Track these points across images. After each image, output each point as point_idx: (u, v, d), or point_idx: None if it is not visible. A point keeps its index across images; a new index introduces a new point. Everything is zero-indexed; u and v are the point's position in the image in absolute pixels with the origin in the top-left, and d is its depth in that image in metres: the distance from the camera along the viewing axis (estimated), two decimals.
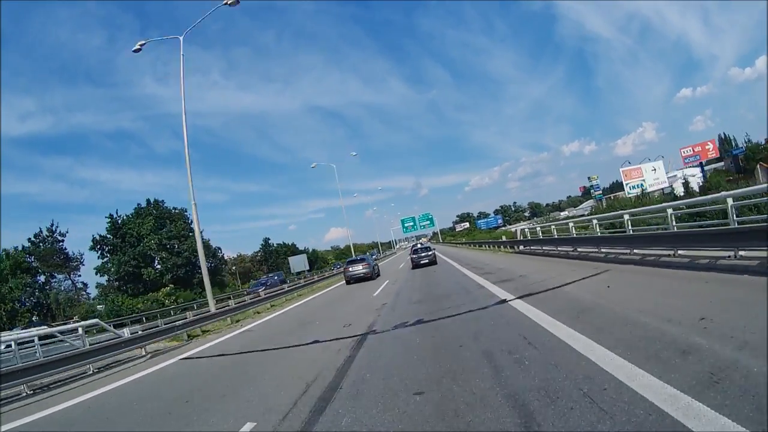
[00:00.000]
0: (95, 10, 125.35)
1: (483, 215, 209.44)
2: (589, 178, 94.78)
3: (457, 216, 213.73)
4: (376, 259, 40.97)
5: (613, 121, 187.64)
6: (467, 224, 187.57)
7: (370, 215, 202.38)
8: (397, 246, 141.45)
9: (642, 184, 34.95)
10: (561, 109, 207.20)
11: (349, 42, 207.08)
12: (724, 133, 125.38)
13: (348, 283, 24.38)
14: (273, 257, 66.41)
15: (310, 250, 79.30)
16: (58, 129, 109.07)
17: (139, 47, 18.19)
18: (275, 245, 71.92)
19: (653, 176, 36.33)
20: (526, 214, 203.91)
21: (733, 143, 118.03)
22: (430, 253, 25.75)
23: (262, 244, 70.81)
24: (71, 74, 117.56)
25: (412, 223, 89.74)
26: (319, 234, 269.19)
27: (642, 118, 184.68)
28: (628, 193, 34.96)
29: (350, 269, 24.85)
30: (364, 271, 24.26)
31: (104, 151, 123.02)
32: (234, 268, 59.70)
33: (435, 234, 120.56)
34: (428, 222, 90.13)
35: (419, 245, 34.20)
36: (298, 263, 58.75)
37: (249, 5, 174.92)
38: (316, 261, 74.23)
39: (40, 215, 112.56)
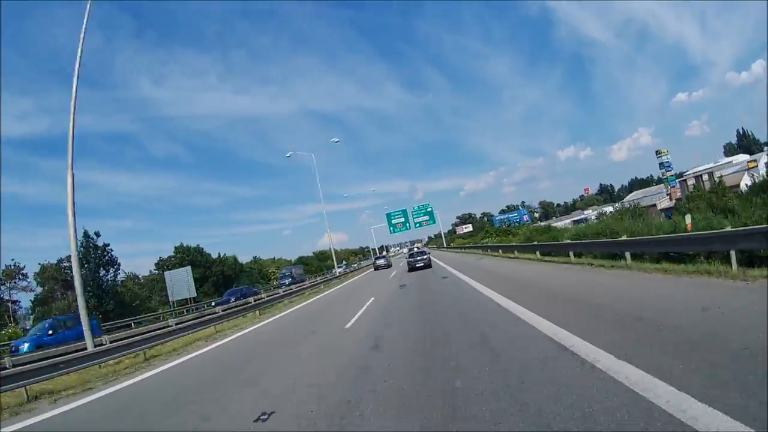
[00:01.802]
0: (92, 10, 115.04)
1: (487, 215, 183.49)
2: (657, 152, 66.79)
3: (457, 217, 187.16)
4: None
5: (608, 126, 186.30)
6: (470, 226, 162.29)
7: (364, 220, 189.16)
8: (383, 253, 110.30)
9: None
10: (557, 113, 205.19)
11: (346, 46, 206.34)
12: (742, 128, 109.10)
13: (375, 269, 39.28)
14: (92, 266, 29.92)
15: (232, 259, 49.63)
16: (54, 130, 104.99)
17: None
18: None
19: None
20: (537, 215, 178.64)
21: (751, 137, 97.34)
22: (425, 257, 26.76)
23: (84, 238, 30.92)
24: (68, 75, 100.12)
25: (402, 220, 61.00)
26: (313, 239, 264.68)
27: (638, 123, 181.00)
28: None
29: (377, 262, 42.44)
30: (384, 262, 40.90)
31: (100, 153, 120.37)
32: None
33: (436, 237, 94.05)
34: (426, 218, 61.39)
35: (415, 249, 38.52)
36: (179, 284, 29.88)
37: (246, 8, 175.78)
38: (237, 277, 44.75)
39: (36, 217, 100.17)
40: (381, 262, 41.16)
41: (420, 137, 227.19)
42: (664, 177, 64.53)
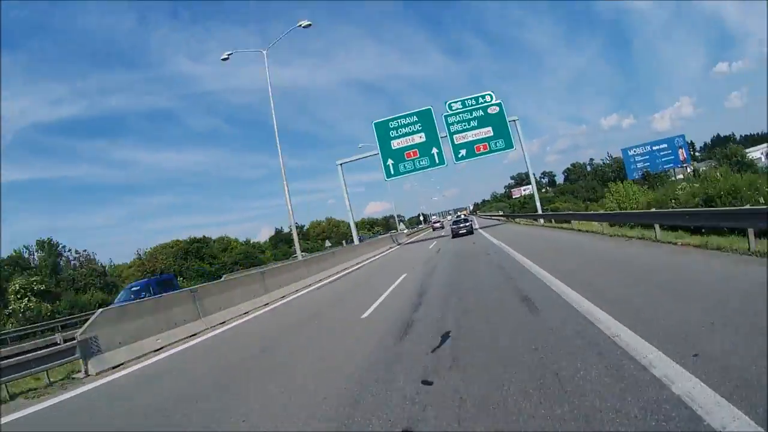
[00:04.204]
0: None
1: (549, 174, 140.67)
2: None
3: (511, 178, 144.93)
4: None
5: (650, 94, 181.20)
6: (528, 188, 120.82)
7: (409, 188, 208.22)
8: (438, 219, 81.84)
9: None
10: (599, 81, 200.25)
11: (386, 14, 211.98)
12: None
13: (433, 230, 51.45)
14: None
15: None
16: (91, 112, 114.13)
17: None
18: None
19: None
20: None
21: None
22: (467, 224, 26.17)
23: None
24: (102, 57, 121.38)
25: (420, 140, 22.21)
26: (359, 208, 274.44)
27: (679, 92, 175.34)
28: None
29: (433, 225, 62.51)
30: (440, 225, 57.41)
31: (141, 131, 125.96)
32: None
33: (510, 196, 66.29)
34: (488, 132, 21.95)
35: (462, 216, 34.95)
36: None
37: None
38: None
39: (79, 197, 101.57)
40: (437, 225, 59.26)
41: None
42: None
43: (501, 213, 63.15)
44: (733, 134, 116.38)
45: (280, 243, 57.59)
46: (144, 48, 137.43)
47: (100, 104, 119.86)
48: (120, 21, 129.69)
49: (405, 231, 46.66)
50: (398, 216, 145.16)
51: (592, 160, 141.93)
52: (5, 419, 4.58)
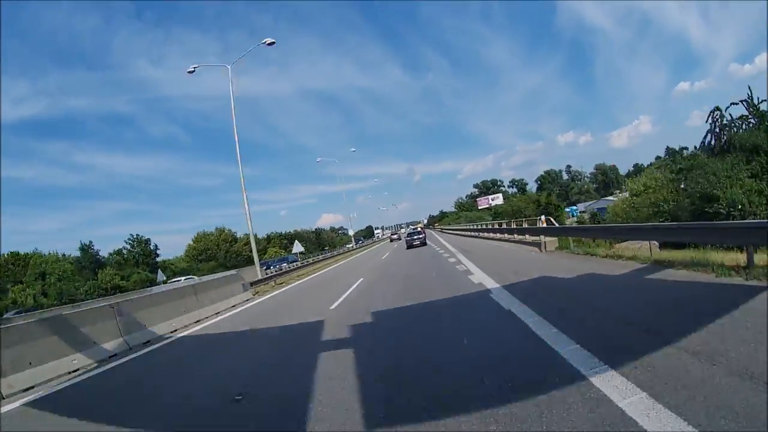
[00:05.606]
0: None
1: (518, 183, 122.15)
2: None
3: (475, 186, 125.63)
4: None
5: (608, 112, 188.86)
6: (500, 196, 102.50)
7: (362, 201, 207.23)
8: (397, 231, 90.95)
9: None
10: (557, 99, 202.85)
11: (346, 26, 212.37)
12: None
13: (391, 241, 55.12)
14: None
15: None
16: (52, 112, 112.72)
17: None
18: None
19: None
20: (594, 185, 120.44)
21: None
22: (421, 236, 29.96)
23: None
24: (66, 57, 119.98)
25: None
26: (311, 219, 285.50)
27: (638, 111, 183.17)
28: None
29: (392, 236, 63.44)
30: (397, 237, 57.19)
31: (99, 134, 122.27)
32: None
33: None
34: None
35: (418, 229, 38.39)
36: None
37: None
38: None
39: (35, 200, 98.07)
40: (395, 237, 59.51)
41: (419, 119, 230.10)
42: None
43: (522, 223, 20.78)
44: (686, 147, 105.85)
45: (86, 269, 32.76)
46: (107, 49, 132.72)
47: (62, 104, 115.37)
48: (86, 19, 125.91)
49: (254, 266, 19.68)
50: (340, 229, 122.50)
51: (569, 166, 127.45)
52: None
